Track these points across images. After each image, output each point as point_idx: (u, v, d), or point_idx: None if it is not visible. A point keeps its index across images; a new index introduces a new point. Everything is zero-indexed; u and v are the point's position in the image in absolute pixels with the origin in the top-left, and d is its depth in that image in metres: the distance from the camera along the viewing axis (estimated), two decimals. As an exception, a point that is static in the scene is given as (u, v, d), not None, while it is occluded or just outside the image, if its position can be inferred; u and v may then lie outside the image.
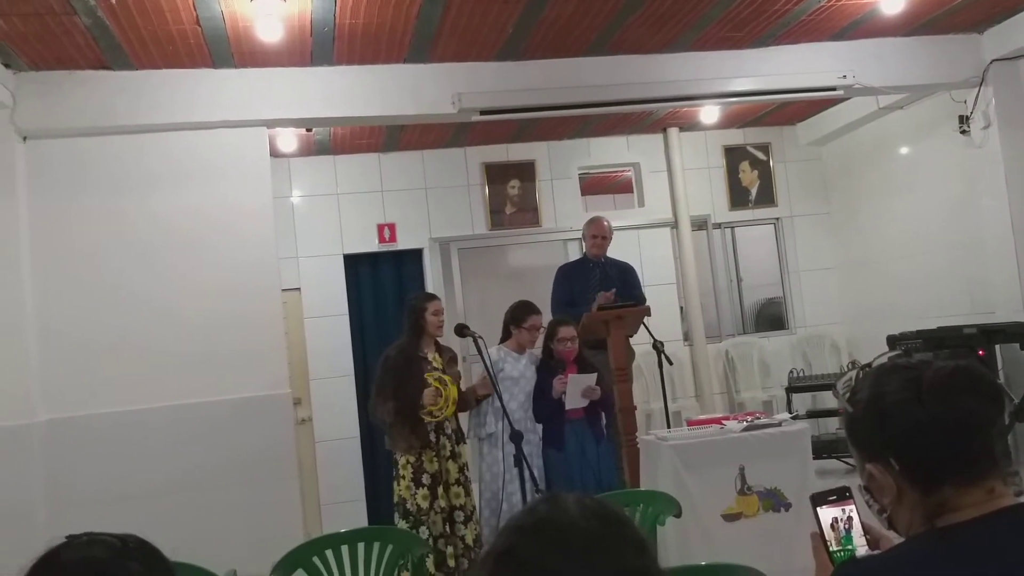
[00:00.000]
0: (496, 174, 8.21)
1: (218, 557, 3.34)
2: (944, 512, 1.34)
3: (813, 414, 7.28)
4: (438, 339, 5.19)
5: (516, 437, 4.05)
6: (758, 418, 4.93)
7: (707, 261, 8.64)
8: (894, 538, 1.47)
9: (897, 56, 6.52)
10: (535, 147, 8.26)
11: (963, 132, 6.85)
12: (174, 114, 5.66)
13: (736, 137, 8.67)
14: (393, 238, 7.97)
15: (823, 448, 6.32)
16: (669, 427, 5.76)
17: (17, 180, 5.43)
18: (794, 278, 8.72)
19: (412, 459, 4.89)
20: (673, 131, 8.31)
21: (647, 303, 6.07)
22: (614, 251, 6.77)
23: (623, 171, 8.79)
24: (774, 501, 4.64)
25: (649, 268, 7.92)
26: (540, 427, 5.24)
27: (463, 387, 5.24)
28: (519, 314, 5.40)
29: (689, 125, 8.27)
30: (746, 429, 4.75)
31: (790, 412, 6.22)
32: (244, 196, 5.83)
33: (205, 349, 5.64)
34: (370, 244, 7.93)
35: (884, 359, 1.51)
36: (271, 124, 6.03)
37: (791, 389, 7.57)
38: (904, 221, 7.77)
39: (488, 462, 5.21)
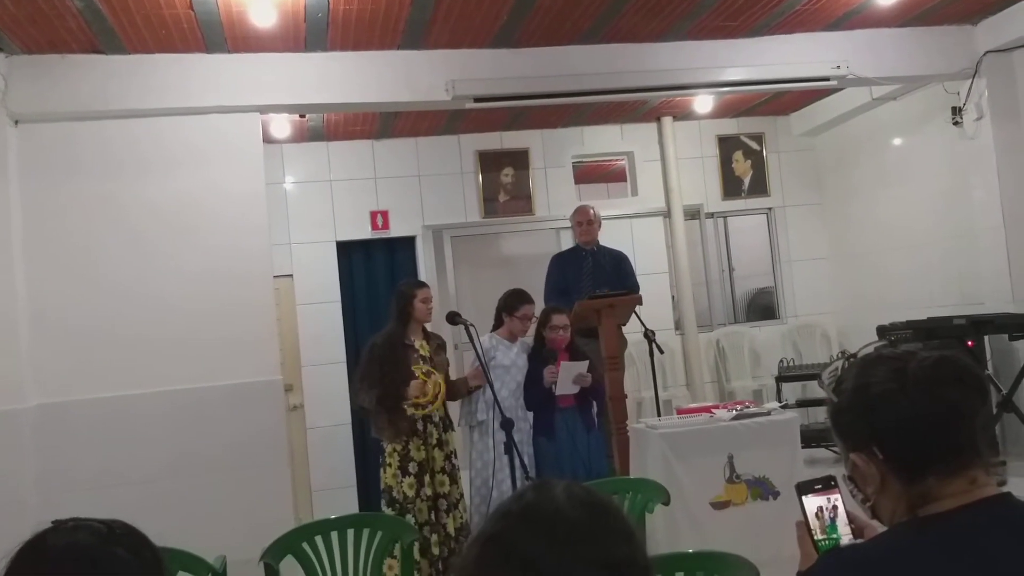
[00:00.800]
0: (489, 162, 8.20)
1: (209, 543, 3.34)
2: (927, 502, 1.35)
3: (803, 403, 7.31)
4: (426, 326, 5.18)
5: (507, 425, 4.06)
6: (747, 407, 4.95)
7: (699, 250, 8.65)
8: (879, 527, 1.48)
9: (891, 47, 6.52)
10: (529, 135, 8.24)
11: (956, 124, 6.86)
12: (167, 99, 5.64)
13: (730, 127, 8.67)
14: (386, 225, 7.95)
15: (812, 437, 6.35)
16: (660, 415, 5.78)
17: (8, 164, 5.40)
18: (786, 268, 8.74)
19: (399, 447, 4.89)
20: (667, 120, 8.31)
21: (639, 292, 6.08)
22: (607, 240, 6.78)
23: (617, 160, 8.79)
24: (763, 489, 4.67)
25: (641, 257, 7.93)
26: (531, 415, 5.25)
27: (453, 375, 5.24)
28: (512, 302, 5.40)
29: (683, 114, 8.27)
30: (735, 418, 4.77)
31: (780, 401, 6.25)
32: (237, 182, 5.81)
33: (197, 335, 5.63)
34: (363, 231, 7.91)
35: (870, 349, 1.52)
36: (264, 110, 6.01)
37: (781, 378, 7.60)
38: (896, 212, 7.79)
39: (479, 450, 5.22)
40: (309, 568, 3.37)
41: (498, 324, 5.45)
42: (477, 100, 6.09)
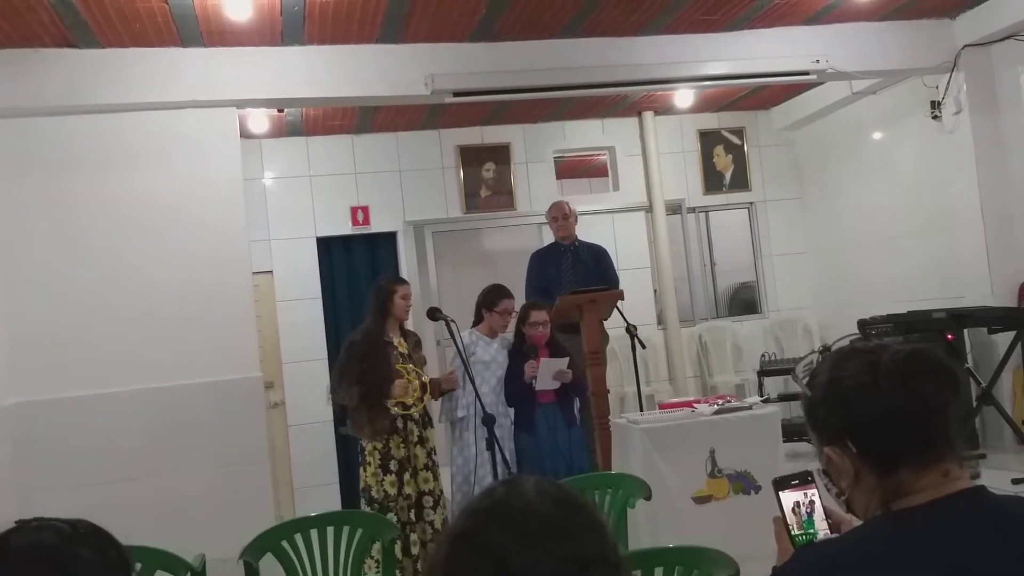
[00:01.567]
0: (471, 157, 8.17)
1: (188, 541, 3.31)
2: (900, 495, 1.34)
3: (784, 397, 7.33)
4: (403, 323, 5.15)
5: (488, 421, 4.04)
6: (729, 401, 4.96)
7: (681, 245, 8.66)
8: (855, 522, 1.47)
9: (870, 41, 6.55)
10: (510, 130, 8.22)
11: (935, 118, 6.90)
12: (142, 93, 5.59)
13: (711, 121, 8.68)
14: (367, 221, 7.92)
15: (794, 431, 6.37)
16: (642, 410, 5.78)
17: (-19, 160, 5.34)
18: (767, 262, 8.77)
19: (379, 445, 4.84)
20: (648, 115, 8.31)
21: (621, 286, 6.08)
22: (589, 235, 6.77)
23: (598, 155, 8.78)
24: (744, 484, 4.68)
25: (623, 252, 7.93)
26: (512, 411, 5.24)
27: (431, 373, 5.22)
28: (491, 298, 5.38)
29: (664, 109, 8.27)
30: (717, 412, 4.78)
31: (761, 396, 6.27)
32: (214, 178, 5.77)
33: (174, 332, 5.59)
34: (343, 227, 7.87)
35: (844, 343, 1.52)
36: (241, 104, 5.96)
37: (763, 373, 7.62)
38: (876, 206, 7.82)
39: (460, 446, 5.20)
40: (289, 566, 3.35)
41: (478, 320, 5.44)
42: (456, 94, 6.06)
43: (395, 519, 4.74)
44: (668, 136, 8.50)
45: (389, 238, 8.04)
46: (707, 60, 6.35)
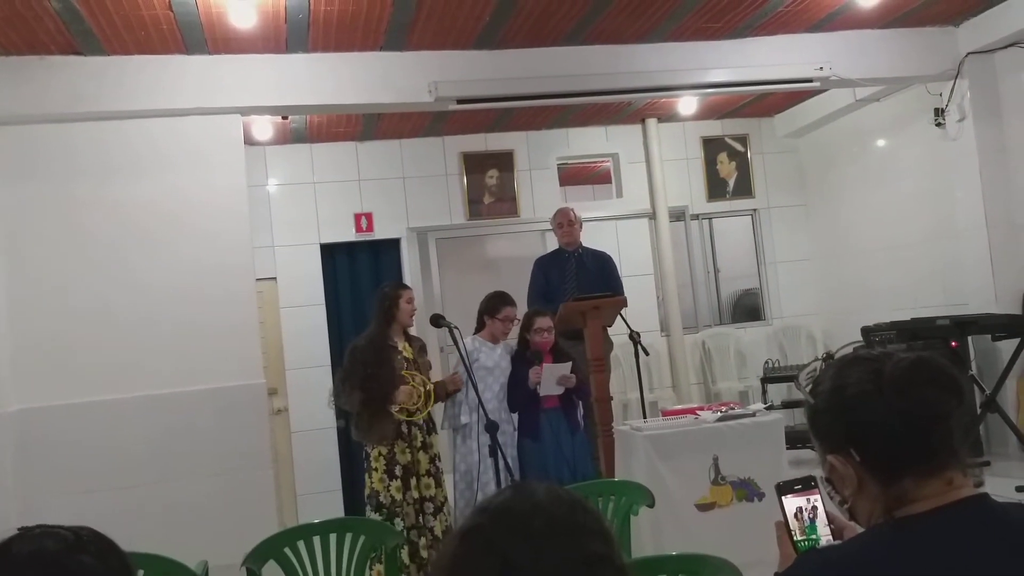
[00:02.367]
0: (474, 164, 8.19)
1: (191, 548, 3.31)
2: (903, 503, 1.34)
3: (788, 404, 7.32)
4: (407, 329, 5.15)
5: (491, 427, 4.04)
6: (732, 408, 4.95)
7: (684, 252, 8.66)
8: (857, 528, 1.47)
9: (873, 48, 6.55)
10: (513, 137, 8.23)
11: (938, 125, 6.89)
12: (147, 101, 5.60)
13: (714, 128, 8.68)
14: (370, 227, 7.93)
15: (797, 438, 6.33)
16: (645, 417, 5.77)
17: (-13, 167, 5.36)
18: (771, 269, 8.77)
19: (384, 451, 4.85)
20: (651, 122, 8.32)
21: (624, 293, 6.07)
22: (593, 241, 6.77)
23: (601, 162, 8.79)
24: (748, 491, 4.67)
25: (627, 259, 7.93)
26: (515, 417, 5.24)
27: (435, 378, 5.23)
28: (493, 305, 5.39)
29: (667, 116, 8.28)
30: (720, 419, 4.76)
31: (765, 402, 6.25)
32: (218, 184, 5.78)
33: (178, 339, 5.60)
34: (347, 233, 7.88)
35: (848, 350, 1.52)
36: (245, 112, 5.97)
37: (766, 380, 7.61)
38: (879, 213, 7.82)
39: (462, 453, 5.19)
40: (292, 573, 3.34)
41: (480, 327, 5.44)
42: (460, 102, 6.07)
43: (401, 524, 4.74)
44: (671, 143, 8.50)
45: (393, 245, 8.05)
46: (710, 67, 6.36)
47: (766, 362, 7.83)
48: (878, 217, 7.83)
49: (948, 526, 1.30)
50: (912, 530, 1.31)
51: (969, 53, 6.59)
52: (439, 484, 4.98)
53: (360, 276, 7.96)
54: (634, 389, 6.71)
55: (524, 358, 5.22)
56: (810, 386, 1.47)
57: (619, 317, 5.78)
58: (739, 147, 8.75)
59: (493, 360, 5.30)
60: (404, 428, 4.89)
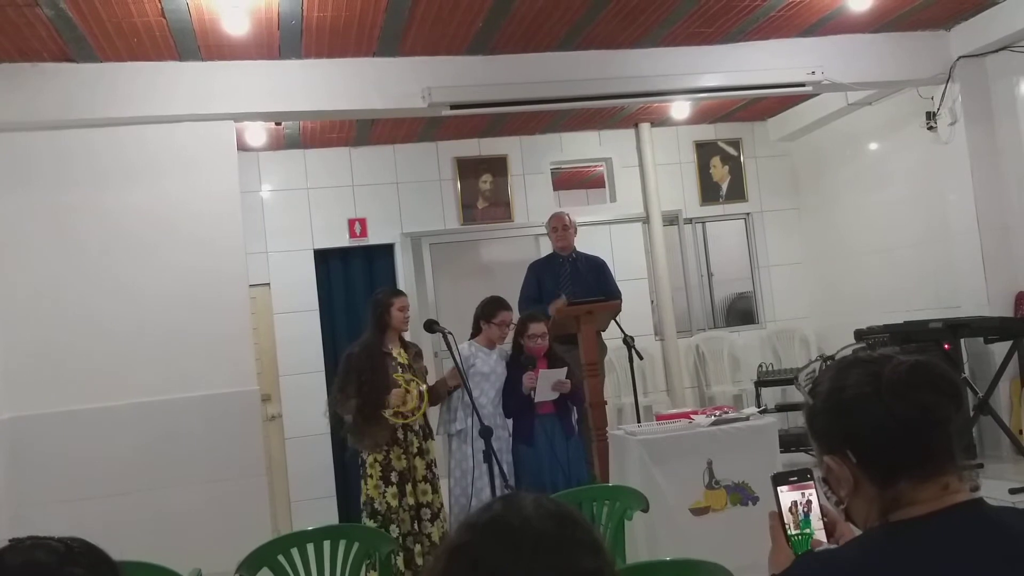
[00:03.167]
0: (468, 169, 8.18)
1: (184, 556, 3.31)
2: (899, 506, 1.34)
3: (782, 408, 7.33)
4: (403, 335, 5.14)
5: (486, 433, 4.03)
6: (726, 412, 4.95)
7: (678, 256, 8.67)
8: (850, 524, 1.48)
9: (865, 52, 6.57)
10: (507, 142, 8.23)
11: (930, 128, 6.92)
12: (139, 107, 5.59)
13: (707, 132, 8.70)
14: (364, 233, 7.92)
15: (792, 442, 6.35)
16: (640, 422, 5.77)
17: (-22, 174, 5.34)
18: (764, 273, 8.78)
19: (380, 457, 4.84)
20: (645, 126, 8.33)
21: (620, 298, 6.07)
22: (586, 246, 6.77)
23: (595, 166, 8.80)
24: (742, 495, 4.66)
25: (620, 263, 7.92)
26: (510, 423, 5.23)
27: (431, 382, 5.22)
28: (489, 310, 5.38)
29: (660, 121, 8.29)
30: (714, 423, 4.76)
31: (759, 406, 6.26)
32: (211, 190, 5.77)
33: (171, 346, 5.58)
34: (341, 239, 7.87)
35: (847, 352, 1.52)
36: (238, 118, 5.97)
37: (760, 383, 7.62)
38: (872, 216, 7.84)
39: (457, 458, 5.18)
40: (285, 580, 3.33)
41: (476, 332, 5.43)
42: (453, 107, 6.07)
43: (397, 531, 4.72)
44: (665, 147, 8.52)
45: (386, 250, 8.04)
46: (703, 72, 6.37)
47: (760, 366, 7.84)
48: (871, 220, 7.85)
49: (942, 532, 1.30)
50: (906, 534, 1.31)
51: (960, 57, 6.62)
52: (435, 490, 4.97)
53: (354, 282, 7.95)
54: (628, 393, 6.72)
55: (519, 364, 5.22)
56: (809, 386, 1.47)
57: (613, 321, 5.79)
58: (732, 151, 8.77)
59: (489, 365, 5.30)
60: (400, 434, 4.87)
